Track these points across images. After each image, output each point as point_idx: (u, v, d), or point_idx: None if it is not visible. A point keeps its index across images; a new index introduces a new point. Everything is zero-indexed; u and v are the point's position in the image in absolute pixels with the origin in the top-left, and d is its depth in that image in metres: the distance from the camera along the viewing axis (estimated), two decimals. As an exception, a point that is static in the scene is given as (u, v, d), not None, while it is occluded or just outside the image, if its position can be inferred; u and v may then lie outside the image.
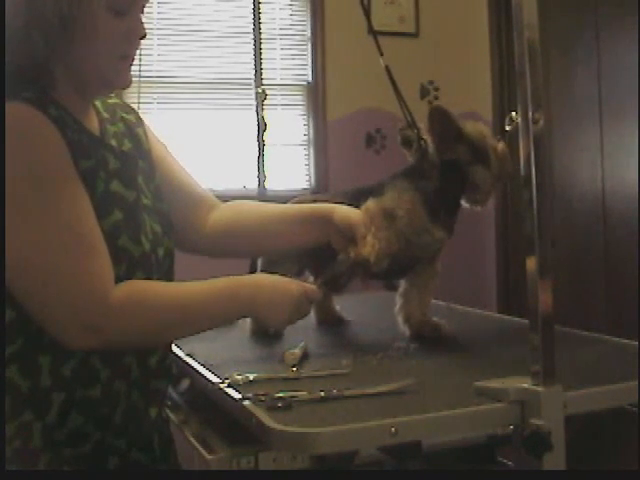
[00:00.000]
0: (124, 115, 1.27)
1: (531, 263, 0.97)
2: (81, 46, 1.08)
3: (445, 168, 1.43)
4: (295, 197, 1.63)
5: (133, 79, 1.16)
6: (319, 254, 1.41)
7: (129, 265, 1.09)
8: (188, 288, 1.13)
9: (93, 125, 1.17)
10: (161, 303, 1.10)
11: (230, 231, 1.38)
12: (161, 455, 1.20)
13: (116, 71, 1.13)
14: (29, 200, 1.01)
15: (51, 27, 1.05)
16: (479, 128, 1.47)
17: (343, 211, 1.36)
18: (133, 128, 1.26)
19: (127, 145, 1.22)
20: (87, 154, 1.08)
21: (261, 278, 1.24)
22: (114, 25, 1.09)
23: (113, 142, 1.18)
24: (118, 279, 1.06)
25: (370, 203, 1.37)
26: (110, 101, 1.26)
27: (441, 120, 1.42)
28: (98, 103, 1.22)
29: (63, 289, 1.01)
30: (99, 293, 1.03)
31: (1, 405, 1.02)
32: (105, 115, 1.22)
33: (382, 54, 1.54)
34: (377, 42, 1.49)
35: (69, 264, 1.01)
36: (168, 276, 1.21)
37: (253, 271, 1.65)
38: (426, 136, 1.45)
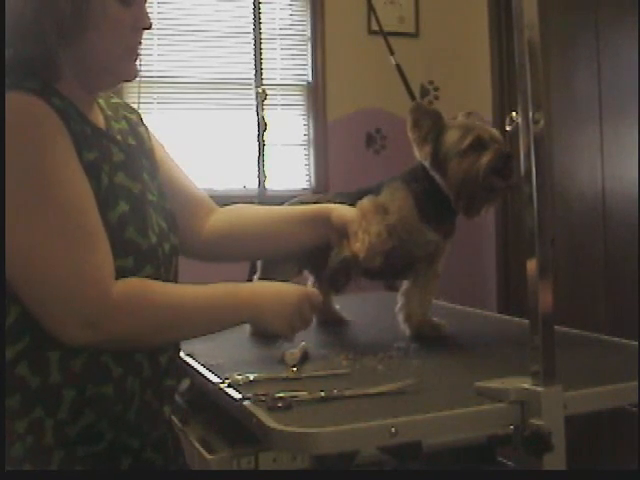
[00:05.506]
0: (127, 114, 1.27)
1: (531, 263, 0.97)
2: (90, 36, 1.08)
3: (424, 170, 1.43)
4: (295, 197, 1.63)
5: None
6: (319, 254, 1.41)
7: (137, 258, 1.08)
8: (188, 290, 1.12)
9: (98, 120, 1.17)
10: (160, 303, 1.08)
11: (229, 235, 1.38)
12: (174, 455, 1.20)
13: (122, 62, 1.14)
14: (27, 189, 0.99)
15: (63, 16, 1.05)
16: (456, 135, 1.37)
17: (340, 210, 1.36)
18: (135, 127, 1.27)
19: (131, 142, 1.22)
20: (90, 146, 1.07)
21: (261, 284, 1.24)
22: (122, 14, 1.10)
23: (118, 137, 1.18)
24: (127, 272, 1.05)
25: (364, 200, 1.38)
26: (113, 101, 1.26)
27: (423, 118, 1.40)
28: (102, 101, 1.22)
29: (60, 281, 0.99)
30: (98, 287, 1.00)
31: (1, 404, 1.02)
32: (109, 112, 1.22)
33: (392, 53, 1.54)
34: (387, 41, 1.50)
35: (67, 255, 0.99)
36: (174, 274, 1.20)
37: (253, 271, 1.65)
38: (410, 134, 1.42)
